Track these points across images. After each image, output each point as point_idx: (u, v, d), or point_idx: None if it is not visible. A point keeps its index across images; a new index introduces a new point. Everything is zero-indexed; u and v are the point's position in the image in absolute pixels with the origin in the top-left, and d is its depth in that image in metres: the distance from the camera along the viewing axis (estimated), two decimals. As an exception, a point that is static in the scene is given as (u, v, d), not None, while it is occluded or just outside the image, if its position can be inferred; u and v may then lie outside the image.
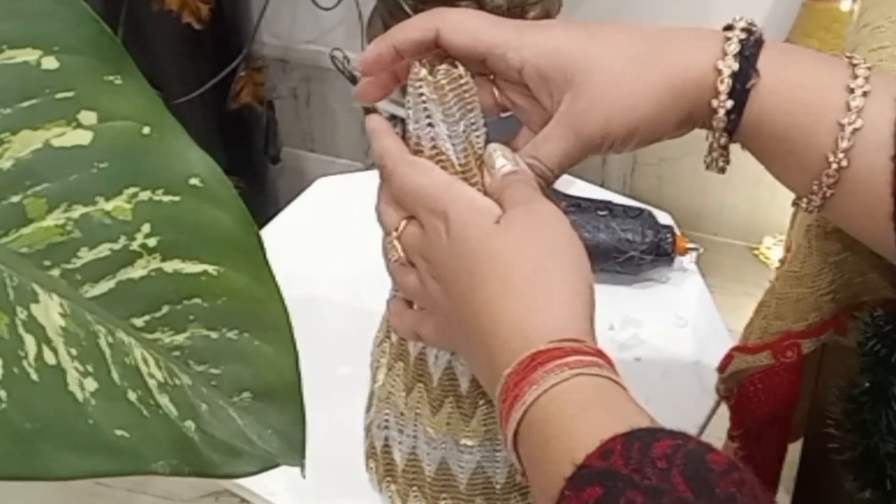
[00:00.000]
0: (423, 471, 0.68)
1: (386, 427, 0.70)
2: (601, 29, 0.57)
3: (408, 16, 1.38)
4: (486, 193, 0.57)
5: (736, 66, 0.54)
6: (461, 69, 0.57)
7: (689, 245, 0.92)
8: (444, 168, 0.58)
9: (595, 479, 0.42)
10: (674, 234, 0.91)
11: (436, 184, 0.56)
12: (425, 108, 0.57)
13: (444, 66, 0.57)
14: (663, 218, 0.97)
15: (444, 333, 0.58)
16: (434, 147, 0.58)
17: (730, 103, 0.54)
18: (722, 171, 0.59)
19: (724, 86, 0.54)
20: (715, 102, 0.54)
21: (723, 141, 0.56)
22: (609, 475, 0.42)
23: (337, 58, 1.69)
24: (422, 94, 0.57)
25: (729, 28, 0.56)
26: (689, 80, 0.55)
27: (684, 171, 1.74)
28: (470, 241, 0.53)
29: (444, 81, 0.57)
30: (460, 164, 0.58)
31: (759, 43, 0.55)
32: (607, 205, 0.92)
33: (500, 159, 0.57)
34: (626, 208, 0.93)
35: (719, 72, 0.54)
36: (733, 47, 0.54)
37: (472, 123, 0.58)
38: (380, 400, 0.70)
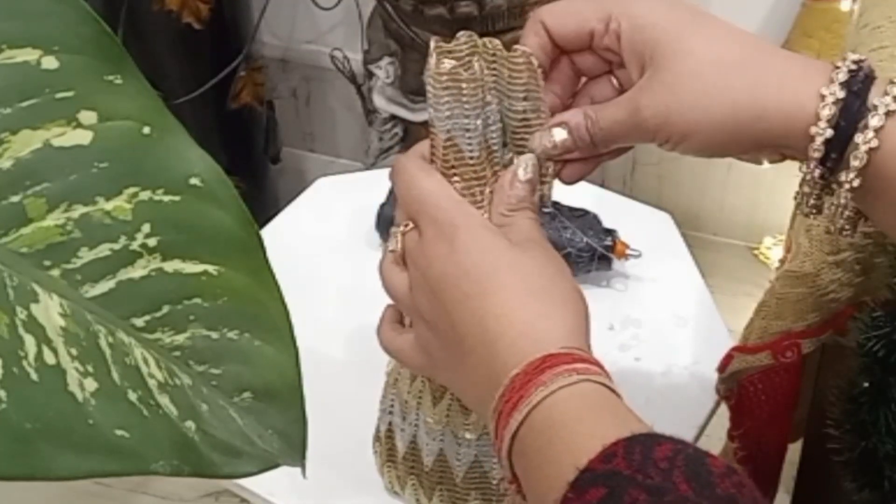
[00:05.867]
0: (421, 460, 0.69)
1: (391, 412, 0.70)
2: (708, 19, 0.54)
3: (408, 15, 1.38)
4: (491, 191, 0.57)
5: (842, 95, 0.50)
6: (481, 63, 0.56)
7: (630, 251, 0.91)
8: (455, 160, 0.57)
9: (598, 480, 0.43)
10: (615, 238, 0.91)
11: (446, 196, 0.56)
12: (446, 100, 0.56)
13: (474, 58, 0.56)
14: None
15: (420, 349, 0.59)
16: (449, 139, 0.57)
17: (830, 132, 0.50)
18: (816, 209, 0.54)
19: (827, 112, 0.50)
20: (813, 129, 0.51)
21: (817, 174, 0.52)
22: (612, 476, 0.43)
23: (337, 58, 1.69)
24: (446, 87, 0.55)
25: (840, 61, 0.52)
26: (780, 104, 0.51)
27: (684, 171, 1.74)
28: (484, 253, 0.54)
29: (466, 74, 0.55)
30: (472, 159, 0.57)
31: (869, 78, 0.51)
32: (554, 204, 0.91)
33: (527, 171, 0.57)
34: (571, 209, 0.92)
35: (822, 98, 0.50)
36: (841, 76, 0.51)
37: (488, 117, 0.57)
38: (387, 384, 0.70)
